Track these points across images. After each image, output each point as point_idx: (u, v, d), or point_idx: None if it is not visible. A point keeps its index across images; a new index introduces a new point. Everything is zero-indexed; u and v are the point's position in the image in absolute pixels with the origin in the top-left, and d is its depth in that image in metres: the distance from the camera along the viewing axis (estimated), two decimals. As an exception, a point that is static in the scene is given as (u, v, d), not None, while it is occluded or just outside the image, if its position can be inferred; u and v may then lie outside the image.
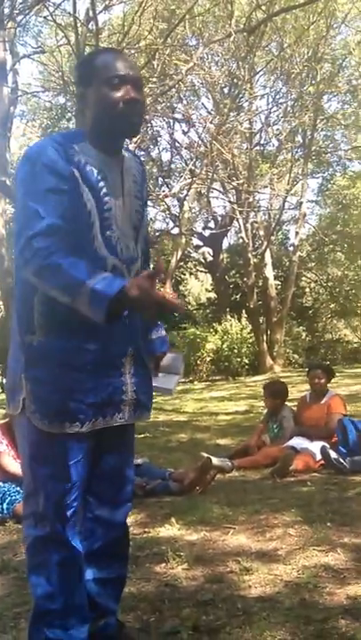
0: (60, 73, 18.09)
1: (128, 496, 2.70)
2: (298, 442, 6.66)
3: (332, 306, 31.09)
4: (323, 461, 6.34)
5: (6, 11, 14.77)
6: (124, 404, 2.46)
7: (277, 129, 24.11)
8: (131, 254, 2.48)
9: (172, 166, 26.72)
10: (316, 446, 6.47)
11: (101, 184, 2.39)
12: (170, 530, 4.51)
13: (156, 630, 2.88)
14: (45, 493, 2.37)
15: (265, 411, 7.89)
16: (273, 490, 5.64)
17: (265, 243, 24.87)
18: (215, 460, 5.96)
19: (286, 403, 7.47)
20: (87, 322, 2.24)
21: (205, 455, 6.02)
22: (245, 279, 25.13)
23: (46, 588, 2.39)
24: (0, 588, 3.57)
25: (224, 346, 22.62)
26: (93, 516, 2.59)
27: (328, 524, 4.37)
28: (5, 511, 5.09)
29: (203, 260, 31.31)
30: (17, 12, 15.36)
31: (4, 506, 5.11)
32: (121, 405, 2.46)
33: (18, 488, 5.17)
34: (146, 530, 4.57)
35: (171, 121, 24.19)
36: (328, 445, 6.36)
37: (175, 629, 2.85)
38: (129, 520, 4.69)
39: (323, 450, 6.29)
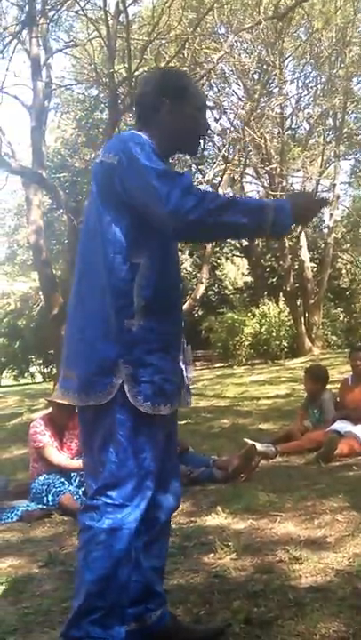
0: (93, 65, 18.11)
1: (178, 480, 2.73)
2: (341, 425, 6.56)
3: (369, 286, 30.82)
4: (368, 445, 6.26)
5: (38, 7, 14.84)
6: (184, 389, 2.58)
7: (308, 113, 24.00)
8: None
9: (205, 153, 26.62)
10: (360, 429, 6.38)
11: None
12: (216, 519, 4.46)
13: (207, 624, 2.82)
14: (136, 480, 2.36)
15: (305, 395, 7.79)
16: (319, 475, 5.57)
17: (299, 226, 24.68)
18: (259, 446, 5.91)
19: (327, 387, 7.37)
20: (176, 304, 2.51)
21: (249, 442, 5.97)
22: (281, 262, 25.00)
23: (99, 584, 2.31)
24: (47, 582, 3.54)
25: (262, 329, 22.52)
26: (152, 503, 2.52)
27: (377, 509, 4.29)
28: (51, 503, 5.08)
29: (238, 245, 31.20)
30: (49, 7, 15.49)
31: (50, 497, 5.10)
32: (183, 390, 2.56)
33: (62, 479, 5.17)
34: (192, 519, 4.53)
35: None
36: (373, 428, 6.28)
37: (227, 622, 2.79)
38: (175, 509, 4.71)
39: (368, 433, 6.21)
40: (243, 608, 2.91)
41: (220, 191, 22.09)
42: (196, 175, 24.20)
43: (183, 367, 2.57)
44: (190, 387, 2.67)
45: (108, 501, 2.35)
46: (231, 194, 26.03)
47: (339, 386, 7.55)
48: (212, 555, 3.72)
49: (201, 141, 2.69)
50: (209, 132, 2.68)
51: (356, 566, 3.32)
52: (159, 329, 2.42)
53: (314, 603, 2.92)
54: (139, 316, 2.39)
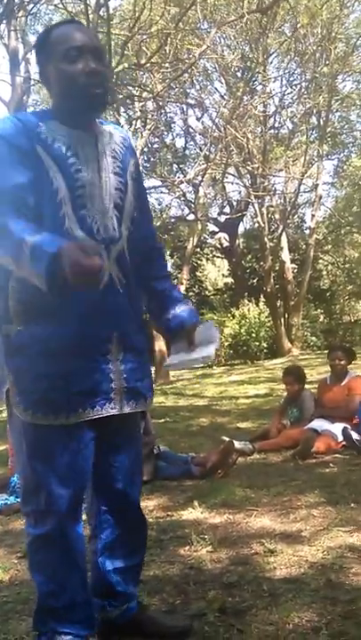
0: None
1: (137, 488, 2.63)
2: (319, 424, 6.63)
3: (350, 288, 31.00)
4: (344, 443, 6.32)
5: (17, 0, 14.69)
6: (114, 393, 2.35)
7: (292, 111, 23.93)
8: (110, 234, 2.36)
9: (186, 152, 26.63)
10: (337, 428, 6.45)
11: (72, 160, 2.30)
12: (193, 513, 4.50)
13: (182, 612, 2.86)
14: (46, 490, 2.29)
15: (285, 394, 7.85)
16: (295, 472, 5.62)
17: (281, 226, 24.83)
18: (237, 444, 5.95)
19: (306, 386, 7.43)
20: (64, 306, 2.19)
21: (227, 439, 6.01)
22: (262, 263, 25.08)
23: (49, 586, 2.35)
24: (27, 573, 3.51)
25: (242, 330, 22.60)
26: (106, 508, 2.54)
27: (352, 504, 4.34)
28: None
29: (219, 246, 31.24)
30: (27, 0, 15.26)
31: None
32: (111, 394, 2.34)
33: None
34: (169, 513, 4.57)
35: (184, 106, 24.06)
36: (350, 427, 6.33)
37: (201, 611, 2.83)
38: (152, 504, 4.76)
39: (344, 431, 6.28)
40: (218, 598, 2.95)
41: (201, 191, 22.10)
42: (178, 175, 24.23)
43: (118, 369, 2.36)
44: (146, 387, 2.51)
45: (33, 508, 2.35)
46: (213, 194, 26.13)
47: (317, 386, 7.61)
48: (188, 547, 3.76)
49: (94, 88, 2.28)
50: (93, 75, 2.25)
51: (330, 559, 3.37)
52: (43, 334, 2.24)
53: (288, 593, 2.97)
54: (17, 321, 2.29)
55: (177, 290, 2.81)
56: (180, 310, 2.65)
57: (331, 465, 5.76)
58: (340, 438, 6.35)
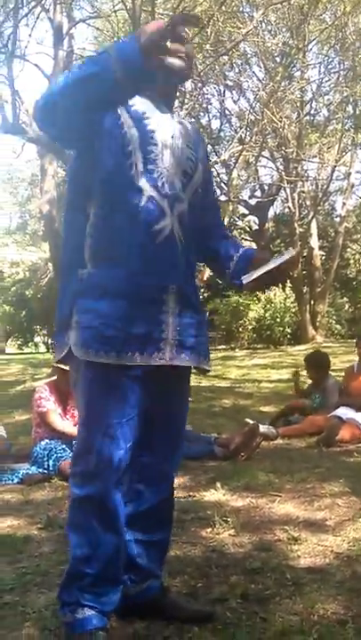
0: (115, 38, 17.84)
1: (175, 462, 2.64)
2: (344, 411, 6.53)
3: (377, 278, 30.72)
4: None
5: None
6: (163, 343, 2.36)
7: (328, 99, 23.60)
8: (176, 192, 2.42)
9: (221, 134, 26.41)
10: (362, 417, 6.38)
11: (147, 121, 2.39)
12: (215, 494, 4.46)
13: (204, 596, 2.81)
14: (97, 450, 2.30)
15: (308, 382, 7.79)
16: (319, 459, 5.56)
17: (311, 213, 24.58)
18: (261, 427, 5.89)
19: (330, 373, 7.35)
20: (128, 253, 2.30)
21: (251, 421, 5.95)
22: (290, 248, 24.85)
23: (85, 550, 2.34)
24: (46, 545, 3.54)
25: (267, 315, 22.45)
26: (138, 477, 2.52)
27: (378, 496, 4.28)
28: (51, 468, 5.10)
29: (248, 229, 31.05)
30: (74, -25, 15.30)
31: (50, 462, 5.12)
32: (160, 344, 2.36)
33: (64, 446, 5.19)
34: (191, 494, 4.53)
35: (222, 88, 23.83)
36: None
37: (223, 596, 2.78)
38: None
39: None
40: (240, 583, 2.90)
41: (235, 173, 21.95)
42: (212, 156, 24.07)
43: (172, 321, 2.38)
44: (201, 345, 2.50)
45: (82, 469, 2.36)
46: (245, 176, 25.97)
47: (344, 374, 7.53)
48: (210, 529, 3.71)
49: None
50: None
51: (356, 550, 3.31)
52: (108, 276, 2.34)
53: (312, 583, 2.91)
54: (90, 264, 2.38)
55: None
56: (242, 252, 2.73)
57: (355, 454, 5.69)
58: (365, 427, 6.28)
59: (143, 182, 2.34)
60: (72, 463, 2.48)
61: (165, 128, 2.43)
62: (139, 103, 2.40)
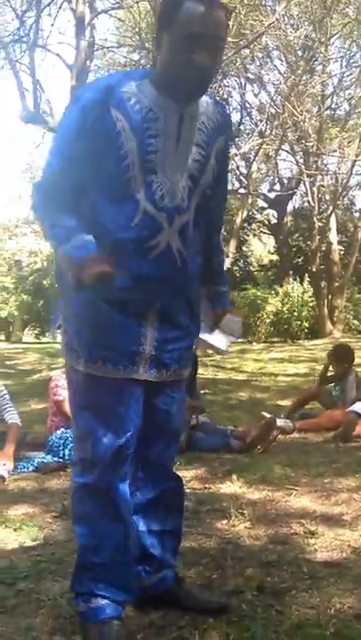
0: (137, 29, 17.79)
1: (171, 454, 2.63)
2: (361, 407, 6.49)
3: (396, 273, 30.51)
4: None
5: (86, -35, 14.70)
6: (139, 357, 2.33)
7: (349, 93, 23.50)
8: (177, 204, 2.31)
9: (241, 127, 26.31)
10: (381, 412, 6.32)
11: (147, 125, 2.23)
12: (231, 487, 4.44)
13: (219, 588, 2.79)
14: (94, 439, 2.30)
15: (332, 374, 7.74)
16: (336, 454, 5.52)
17: (331, 207, 24.44)
18: (278, 421, 5.87)
19: (353, 368, 7.31)
20: (119, 267, 2.17)
21: (268, 415, 5.92)
22: (309, 243, 24.75)
23: (90, 539, 2.34)
24: (61, 533, 3.53)
25: (284, 308, 22.39)
26: (141, 466, 2.52)
27: (395, 492, 4.24)
28: (67, 457, 5.10)
29: (267, 223, 30.96)
30: (97, -34, 15.30)
31: (66, 451, 5.13)
32: (136, 358, 2.33)
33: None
34: (207, 485, 4.52)
35: (242, 81, 23.75)
36: (394, 412, 6.21)
37: (239, 589, 2.75)
38: (189, 474, 4.70)
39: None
40: (256, 576, 2.88)
41: (254, 166, 21.87)
42: (232, 148, 24.02)
43: (150, 336, 2.34)
44: (177, 362, 2.44)
45: (81, 457, 2.37)
46: (265, 170, 25.89)
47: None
48: (225, 521, 3.69)
49: (198, 80, 2.23)
50: (204, 71, 2.20)
51: (374, 546, 3.28)
52: (95, 285, 2.19)
53: (329, 577, 2.88)
54: None
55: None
56: (216, 292, 2.71)
57: (372, 450, 5.65)
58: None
59: (141, 196, 2.26)
60: (73, 452, 2.51)
61: (171, 128, 2.28)
62: (145, 97, 2.25)
